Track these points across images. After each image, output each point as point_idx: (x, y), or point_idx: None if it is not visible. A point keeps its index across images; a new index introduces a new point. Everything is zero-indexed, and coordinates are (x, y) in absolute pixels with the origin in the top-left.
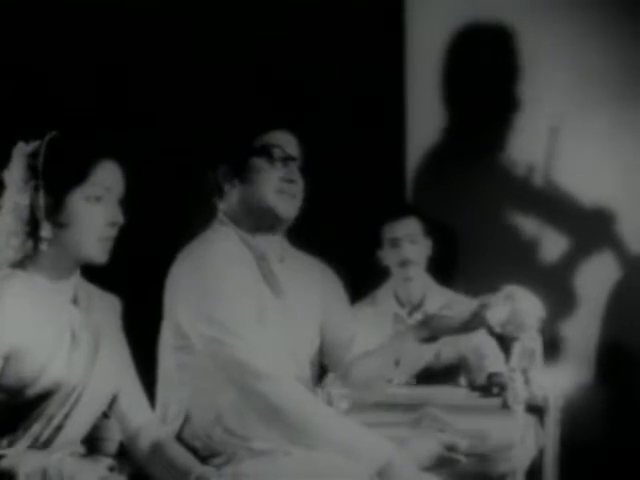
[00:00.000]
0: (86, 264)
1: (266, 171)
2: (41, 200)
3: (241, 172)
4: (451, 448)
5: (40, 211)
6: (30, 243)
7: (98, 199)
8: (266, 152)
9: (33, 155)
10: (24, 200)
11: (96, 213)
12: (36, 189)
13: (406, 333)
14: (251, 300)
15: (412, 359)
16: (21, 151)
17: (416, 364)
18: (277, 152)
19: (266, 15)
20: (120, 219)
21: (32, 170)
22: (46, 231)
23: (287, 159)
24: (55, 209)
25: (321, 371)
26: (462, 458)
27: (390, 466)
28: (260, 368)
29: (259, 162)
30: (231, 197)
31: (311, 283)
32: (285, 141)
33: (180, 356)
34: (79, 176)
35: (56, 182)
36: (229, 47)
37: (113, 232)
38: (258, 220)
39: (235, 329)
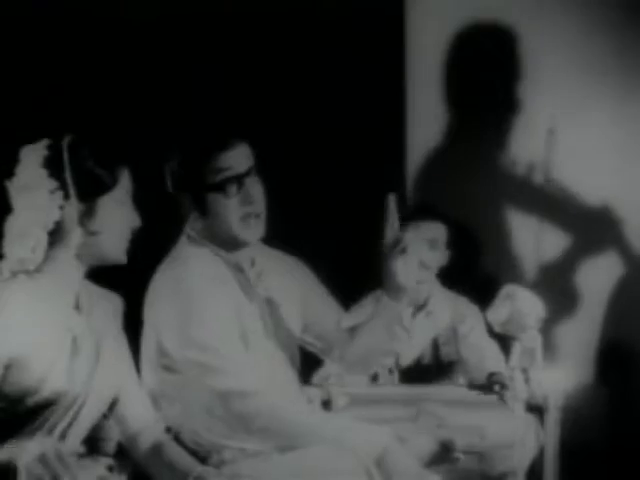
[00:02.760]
0: (108, 266)
1: (224, 203)
2: (73, 209)
3: (200, 206)
4: (447, 446)
5: (73, 221)
6: (47, 250)
7: (123, 203)
8: (218, 186)
9: (51, 162)
10: (55, 213)
11: (123, 217)
12: (66, 198)
13: (385, 307)
14: (233, 318)
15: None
16: (33, 158)
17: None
18: (229, 180)
19: (266, 15)
20: (139, 222)
21: (57, 178)
22: (78, 238)
23: (240, 179)
24: (87, 216)
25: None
26: (459, 455)
27: (387, 453)
28: (245, 387)
29: (215, 196)
30: (199, 222)
31: (286, 277)
32: (235, 159)
33: (165, 375)
34: (111, 181)
35: (90, 189)
36: (229, 48)
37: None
38: (227, 244)
39: (218, 351)
